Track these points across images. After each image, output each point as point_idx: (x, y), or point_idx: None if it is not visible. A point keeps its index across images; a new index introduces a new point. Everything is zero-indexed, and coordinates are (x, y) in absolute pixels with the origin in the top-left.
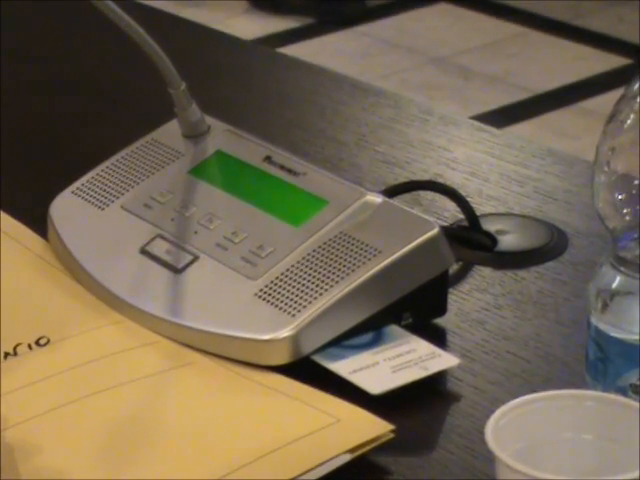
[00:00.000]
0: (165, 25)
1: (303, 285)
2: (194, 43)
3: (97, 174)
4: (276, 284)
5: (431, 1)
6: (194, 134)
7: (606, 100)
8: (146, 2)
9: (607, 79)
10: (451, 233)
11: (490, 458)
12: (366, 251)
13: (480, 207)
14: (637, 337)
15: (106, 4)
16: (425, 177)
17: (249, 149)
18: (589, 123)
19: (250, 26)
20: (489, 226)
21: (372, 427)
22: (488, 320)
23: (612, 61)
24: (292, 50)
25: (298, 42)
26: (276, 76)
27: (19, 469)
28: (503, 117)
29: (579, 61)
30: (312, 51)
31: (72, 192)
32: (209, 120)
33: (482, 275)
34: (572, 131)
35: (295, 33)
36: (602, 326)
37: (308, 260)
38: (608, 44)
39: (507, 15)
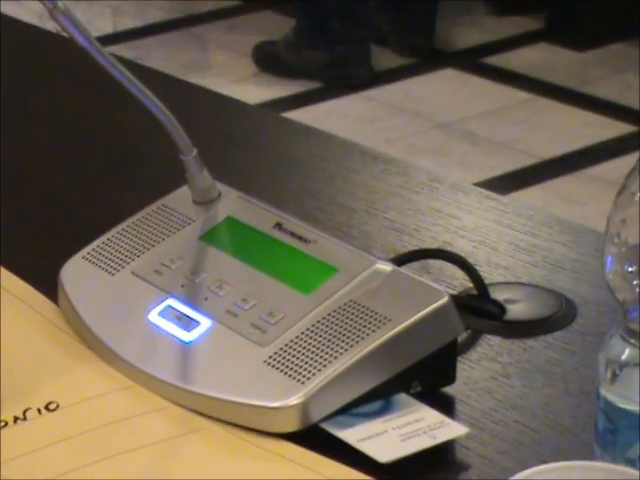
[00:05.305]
0: (173, 90)
1: (312, 352)
2: (202, 108)
3: (108, 239)
4: (285, 351)
5: (438, 67)
6: (205, 200)
7: (613, 167)
8: (152, 66)
9: (614, 146)
10: (460, 302)
11: None
12: (375, 319)
13: (489, 276)
14: None
15: (118, 69)
16: (434, 245)
17: (259, 216)
18: (595, 190)
19: (257, 90)
20: (498, 295)
21: None
22: (496, 389)
23: (619, 128)
24: (299, 114)
25: (305, 106)
26: (286, 142)
27: None
28: (509, 183)
29: (586, 128)
30: (319, 115)
31: (83, 257)
32: (220, 186)
33: (490, 344)
34: (578, 197)
35: (302, 97)
36: (611, 397)
37: (318, 327)
38: (615, 111)
39: (513, 81)
